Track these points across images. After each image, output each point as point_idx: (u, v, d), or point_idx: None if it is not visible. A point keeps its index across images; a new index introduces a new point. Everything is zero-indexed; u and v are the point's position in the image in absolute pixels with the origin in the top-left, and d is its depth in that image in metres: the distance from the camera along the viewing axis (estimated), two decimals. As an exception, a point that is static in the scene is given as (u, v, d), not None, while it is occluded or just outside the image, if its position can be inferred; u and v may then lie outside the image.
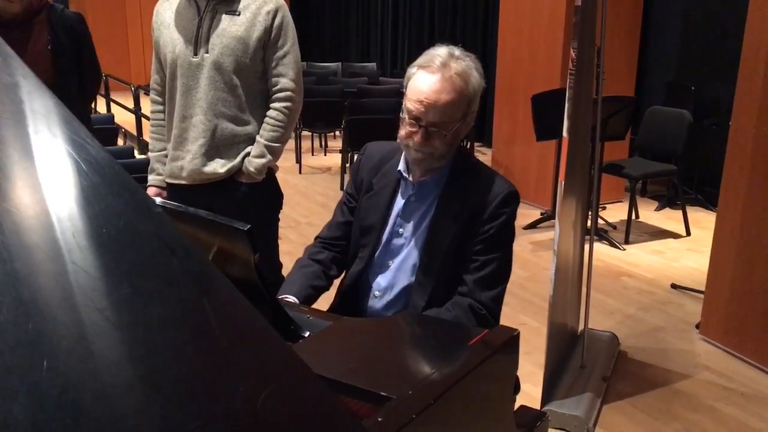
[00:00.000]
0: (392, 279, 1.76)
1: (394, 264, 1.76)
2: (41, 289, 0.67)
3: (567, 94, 2.53)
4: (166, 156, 2.47)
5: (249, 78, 2.33)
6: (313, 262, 1.85)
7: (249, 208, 2.36)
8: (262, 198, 2.43)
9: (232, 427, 0.68)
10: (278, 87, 2.35)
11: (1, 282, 0.64)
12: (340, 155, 6.87)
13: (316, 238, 1.94)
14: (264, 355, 0.77)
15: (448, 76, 1.59)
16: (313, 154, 7.85)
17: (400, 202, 1.77)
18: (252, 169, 2.35)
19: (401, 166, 1.76)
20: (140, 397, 0.65)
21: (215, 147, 2.34)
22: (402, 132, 1.66)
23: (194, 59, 2.30)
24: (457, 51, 1.65)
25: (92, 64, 3.02)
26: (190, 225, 1.25)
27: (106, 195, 0.79)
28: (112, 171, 0.81)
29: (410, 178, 1.74)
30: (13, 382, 0.59)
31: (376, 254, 1.78)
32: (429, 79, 1.59)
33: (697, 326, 3.41)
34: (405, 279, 1.74)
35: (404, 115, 1.64)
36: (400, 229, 1.76)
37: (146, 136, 7.34)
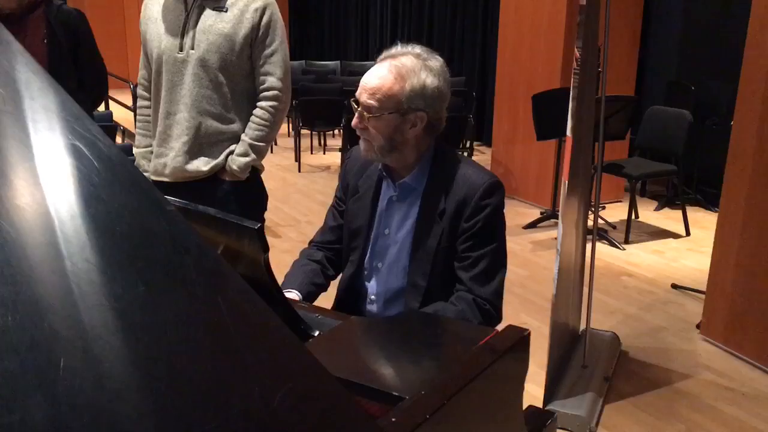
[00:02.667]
0: (385, 282, 1.75)
1: (384, 266, 1.76)
2: (55, 288, 0.66)
3: (571, 94, 2.53)
4: (151, 152, 2.44)
5: (235, 76, 2.30)
6: (311, 261, 1.85)
7: (231, 206, 2.34)
8: (245, 197, 2.40)
9: (250, 427, 0.67)
10: (265, 86, 2.32)
11: (16, 280, 0.63)
12: (339, 154, 6.87)
13: (310, 242, 1.95)
14: (279, 354, 0.76)
15: (386, 65, 1.62)
16: (312, 153, 7.84)
17: (383, 203, 1.76)
18: (235, 167, 2.32)
19: (382, 166, 1.76)
20: (156, 397, 0.64)
21: (199, 145, 2.32)
22: None
23: (179, 55, 2.27)
24: (418, 50, 1.65)
25: (92, 62, 2.98)
26: (196, 222, 1.24)
27: (119, 192, 0.78)
28: (124, 168, 0.80)
29: (391, 179, 1.74)
30: (31, 382, 0.58)
31: (366, 257, 1.78)
32: (372, 67, 1.66)
33: (698, 326, 3.41)
34: (398, 281, 1.73)
35: (353, 102, 1.69)
36: (386, 230, 1.75)
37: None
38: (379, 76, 1.61)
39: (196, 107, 2.28)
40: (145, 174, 2.47)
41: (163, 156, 2.36)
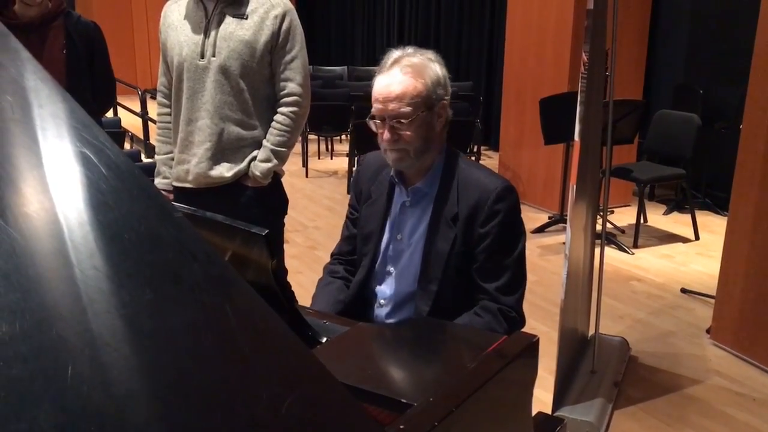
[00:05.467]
0: (395, 286, 1.76)
1: (395, 271, 1.76)
2: (63, 295, 0.66)
3: (579, 98, 2.52)
4: (172, 159, 2.47)
5: (255, 82, 2.32)
6: (334, 278, 1.87)
7: (254, 212, 2.35)
8: (267, 202, 2.42)
9: (257, 435, 0.67)
10: (285, 92, 2.34)
11: (24, 287, 0.63)
12: (346, 159, 6.88)
13: (332, 255, 1.96)
14: (287, 362, 0.76)
15: (397, 70, 1.63)
16: (319, 158, 7.85)
17: (395, 208, 1.77)
18: (258, 173, 2.34)
19: (394, 172, 1.76)
20: (164, 404, 0.64)
21: (221, 151, 2.34)
22: (378, 138, 1.69)
23: (201, 62, 2.29)
24: (410, 49, 1.69)
25: (105, 73, 3.04)
26: (203, 229, 1.25)
27: (127, 200, 0.78)
28: (131, 175, 0.80)
29: (403, 184, 1.75)
30: (38, 389, 0.58)
31: (377, 262, 1.78)
32: (382, 79, 1.65)
33: (708, 331, 3.39)
34: (408, 286, 1.73)
35: (373, 122, 1.67)
36: (398, 236, 1.76)
37: (153, 140, 7.35)
38: (399, 82, 1.61)
39: (219, 114, 2.30)
40: (166, 180, 2.49)
41: (186, 162, 2.38)
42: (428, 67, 1.63)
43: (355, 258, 1.88)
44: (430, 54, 1.68)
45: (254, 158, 2.36)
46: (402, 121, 1.61)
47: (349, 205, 1.91)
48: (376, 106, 1.64)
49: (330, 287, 1.83)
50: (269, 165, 2.34)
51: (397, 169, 1.73)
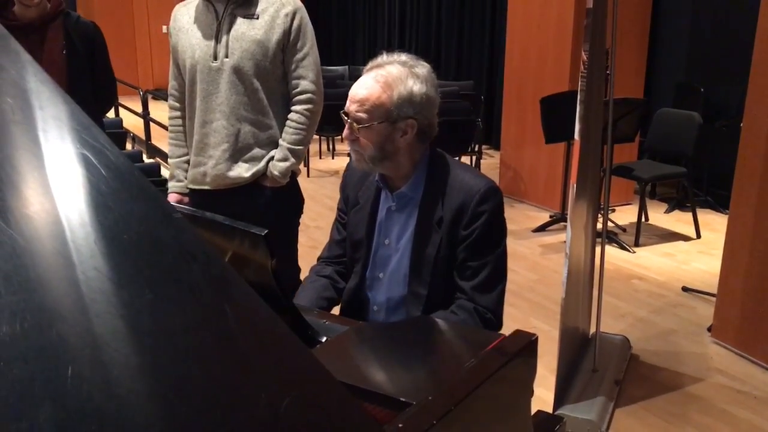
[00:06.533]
0: (387, 291, 1.75)
1: (385, 276, 1.75)
2: (63, 296, 0.67)
3: (579, 97, 2.52)
4: (186, 162, 2.46)
5: (269, 81, 2.32)
6: (320, 277, 1.86)
7: (271, 212, 2.36)
8: (284, 202, 2.42)
9: (256, 434, 0.67)
10: (299, 89, 2.34)
11: (24, 288, 0.64)
12: (348, 159, 6.88)
13: (319, 258, 1.96)
14: (286, 361, 0.77)
15: (372, 75, 1.62)
16: (321, 158, 7.86)
17: (382, 213, 1.76)
18: (276, 173, 2.34)
19: (378, 177, 1.75)
20: (164, 404, 0.64)
21: (239, 151, 2.34)
22: None
23: (214, 64, 2.29)
24: (403, 57, 1.65)
25: (105, 73, 3.05)
26: (205, 230, 1.25)
27: (126, 201, 0.79)
28: (131, 176, 0.81)
29: (388, 189, 1.74)
30: (38, 389, 0.59)
31: (368, 268, 1.78)
32: (359, 78, 1.65)
33: (709, 329, 3.39)
34: (399, 291, 1.73)
35: (343, 114, 1.68)
36: (386, 240, 1.75)
37: (154, 140, 7.37)
38: (366, 87, 1.61)
39: (234, 114, 2.30)
40: (180, 184, 2.48)
41: (202, 165, 2.38)
42: (404, 82, 1.60)
43: (344, 260, 1.87)
44: (419, 68, 1.63)
45: (272, 158, 2.35)
46: (356, 124, 1.62)
47: (338, 208, 1.90)
48: (347, 102, 1.65)
49: (315, 284, 1.82)
50: (287, 164, 2.35)
51: (357, 168, 1.74)
